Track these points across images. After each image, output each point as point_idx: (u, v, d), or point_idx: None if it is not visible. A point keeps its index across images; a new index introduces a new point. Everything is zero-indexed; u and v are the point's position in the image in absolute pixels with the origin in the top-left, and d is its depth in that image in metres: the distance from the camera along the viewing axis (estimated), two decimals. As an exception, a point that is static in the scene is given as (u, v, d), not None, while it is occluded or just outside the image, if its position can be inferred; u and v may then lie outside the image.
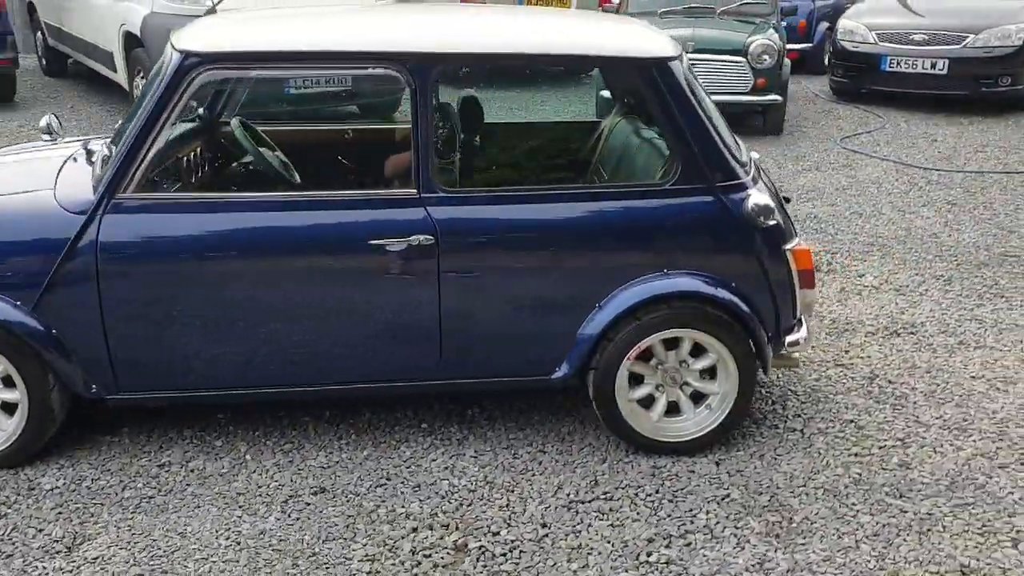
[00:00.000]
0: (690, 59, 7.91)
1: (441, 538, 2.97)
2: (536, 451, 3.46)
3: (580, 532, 3.02)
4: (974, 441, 3.56)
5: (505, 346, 3.33)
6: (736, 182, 3.31)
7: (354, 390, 3.37)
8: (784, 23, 9.31)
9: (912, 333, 4.51)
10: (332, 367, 3.30)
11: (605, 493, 3.22)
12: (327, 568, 2.82)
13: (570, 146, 3.97)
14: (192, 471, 3.29)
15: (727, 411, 3.42)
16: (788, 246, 3.36)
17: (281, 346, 3.25)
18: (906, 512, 3.14)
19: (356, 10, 3.55)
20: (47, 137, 4.00)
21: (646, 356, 3.39)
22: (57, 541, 2.91)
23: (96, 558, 2.84)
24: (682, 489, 3.24)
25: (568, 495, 3.20)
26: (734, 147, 3.45)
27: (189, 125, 3.85)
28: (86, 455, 3.36)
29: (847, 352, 4.30)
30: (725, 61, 8.01)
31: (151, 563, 2.82)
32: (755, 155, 3.93)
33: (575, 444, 3.50)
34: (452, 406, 3.72)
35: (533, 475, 3.31)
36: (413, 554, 2.89)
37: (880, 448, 3.51)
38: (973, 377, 4.06)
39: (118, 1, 8.18)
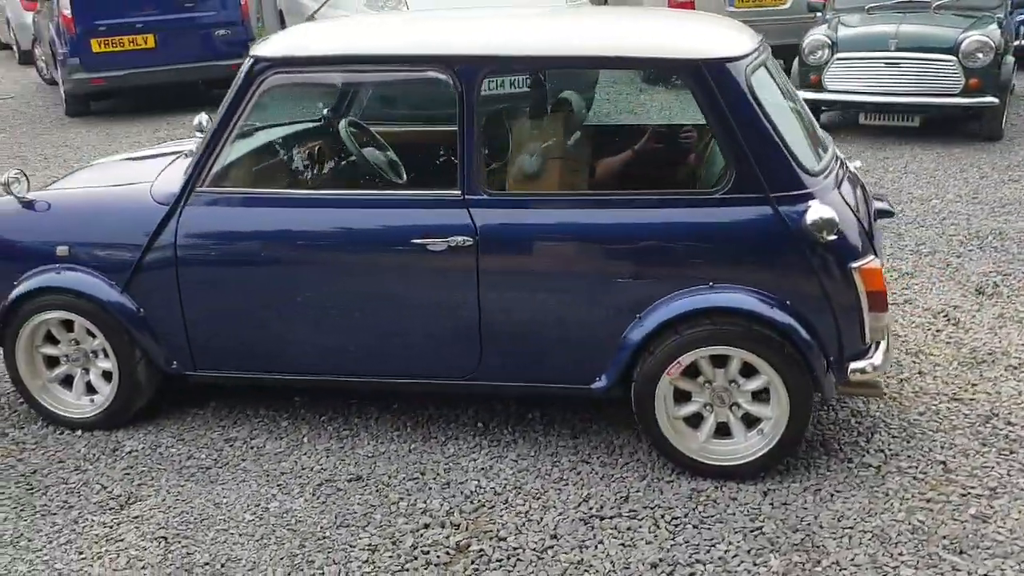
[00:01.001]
0: (893, 58, 7.43)
1: (447, 537, 2.99)
2: (579, 460, 3.39)
3: (587, 548, 2.94)
4: (1082, 499, 3.09)
5: (545, 352, 3.30)
6: (797, 192, 3.07)
7: (401, 384, 3.47)
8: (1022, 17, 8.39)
9: (1065, 370, 3.97)
10: (381, 360, 3.41)
11: (631, 511, 3.10)
12: (328, 552, 2.94)
13: (660, 150, 3.84)
14: (252, 448, 3.53)
15: (778, 438, 3.19)
16: (856, 264, 3.07)
17: (335, 336, 3.41)
18: (959, 571, 2.79)
19: (423, 16, 3.64)
20: (200, 134, 4.41)
21: (694, 373, 3.23)
22: (114, 499, 3.23)
23: (136, 517, 3.12)
24: (712, 516, 3.06)
25: (591, 508, 3.12)
26: (804, 154, 3.20)
27: (311, 125, 4.11)
28: (170, 424, 3.69)
29: (974, 385, 3.85)
30: (932, 60, 7.35)
31: (178, 528, 3.07)
32: (856, 164, 3.63)
33: (622, 458, 3.39)
34: (512, 408, 3.72)
35: (565, 484, 3.26)
36: (412, 549, 2.94)
37: (961, 496, 3.13)
38: (1117, 427, 3.53)
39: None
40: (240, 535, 3.03)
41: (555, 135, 3.48)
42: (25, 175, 3.63)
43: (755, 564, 2.84)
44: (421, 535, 3.01)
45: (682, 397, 3.27)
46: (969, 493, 3.15)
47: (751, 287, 3.09)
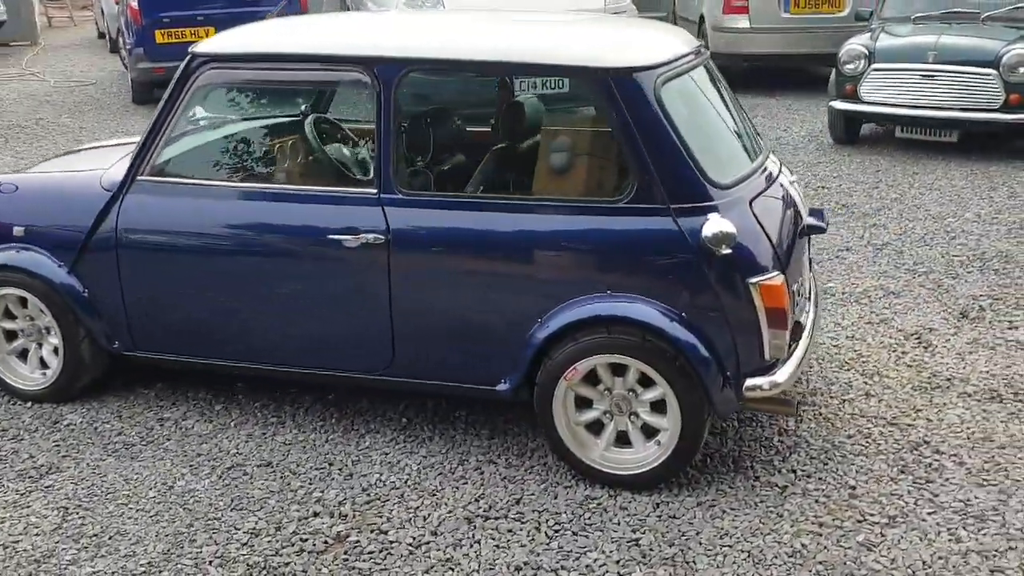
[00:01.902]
0: (930, 70, 7.19)
1: (330, 527, 3.07)
2: (486, 461, 3.42)
3: (461, 546, 2.97)
4: (982, 538, 2.97)
5: (453, 352, 3.34)
6: (699, 205, 3.04)
7: (319, 376, 3.55)
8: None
9: (1022, 402, 3.81)
10: (300, 352, 3.51)
11: (519, 513, 3.12)
12: (212, 533, 3.04)
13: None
14: (181, 428, 3.67)
15: (671, 450, 3.16)
16: (755, 279, 3.02)
17: (257, 326, 3.52)
18: (821, 597, 2.73)
19: (359, 18, 3.73)
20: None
21: (596, 380, 3.22)
22: (36, 468, 3.41)
23: (48, 487, 3.29)
24: (595, 524, 3.06)
25: (480, 508, 3.15)
26: (717, 166, 3.16)
27: (253, 121, 4.19)
28: (114, 401, 3.86)
29: (918, 411, 3.73)
30: (971, 73, 7.08)
31: (82, 499, 3.22)
32: (789, 177, 3.56)
33: (530, 461, 3.41)
34: (439, 406, 3.77)
35: (464, 483, 3.29)
36: (292, 535, 3.02)
37: (856, 522, 3.05)
38: (1052, 464, 3.38)
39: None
40: (137, 510, 3.16)
41: (476, 138, 3.53)
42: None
43: (618, 575, 2.83)
44: (306, 523, 3.09)
45: (584, 403, 3.27)
46: (866, 520, 3.06)
47: (649, 298, 3.08)
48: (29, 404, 3.86)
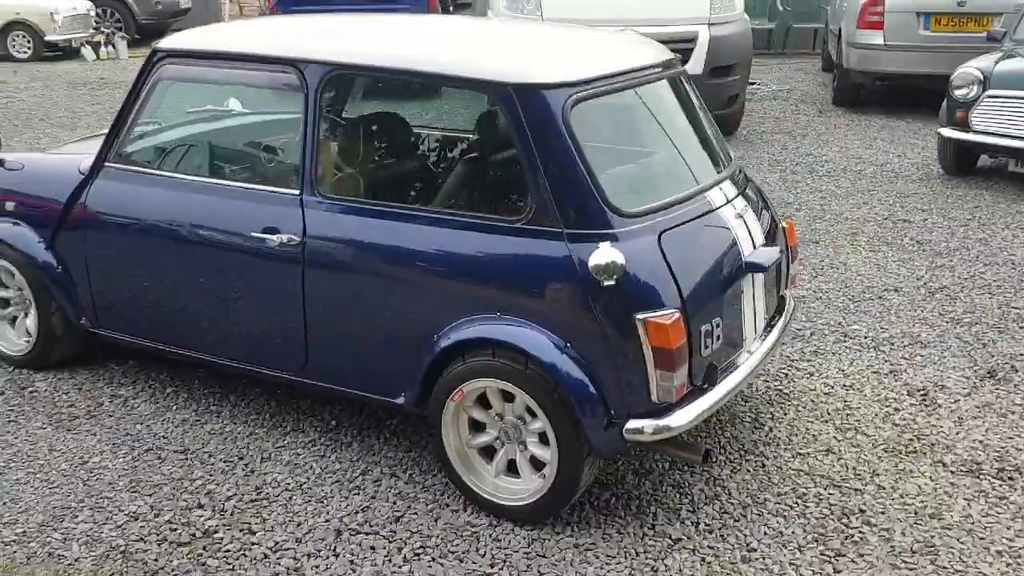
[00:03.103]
0: (990, 96, 6.53)
1: (203, 520, 3.10)
2: (390, 474, 3.37)
3: (315, 558, 2.93)
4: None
5: (359, 361, 3.31)
6: (597, 232, 2.88)
7: (243, 369, 3.60)
8: None
9: (1001, 480, 3.39)
10: (227, 344, 3.57)
11: (390, 532, 3.05)
12: (97, 511, 3.14)
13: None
14: (128, 407, 3.81)
15: (548, 487, 3.01)
16: (642, 316, 2.82)
17: (192, 314, 3.62)
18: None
19: (304, 22, 3.75)
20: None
21: (489, 403, 3.11)
22: (-19, 429, 3.65)
23: (18, 455, 3.51)
24: (457, 552, 2.95)
25: (355, 521, 3.10)
26: (626, 193, 2.99)
27: (210, 114, 4.26)
28: (84, 374, 4.06)
29: (875, 476, 3.39)
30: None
31: (4, 461, 3.41)
32: (739, 209, 3.30)
33: (433, 480, 3.33)
34: (372, 413, 3.75)
35: (356, 493, 3.25)
36: (165, 524, 3.08)
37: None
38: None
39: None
40: (41, 480, 3.31)
41: (399, 146, 3.47)
42: (0, 138, 4.13)
43: (449, 608, 2.73)
44: (184, 513, 3.14)
45: (480, 427, 3.17)
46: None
47: (538, 324, 2.93)
48: (11, 368, 4.12)
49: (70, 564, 2.89)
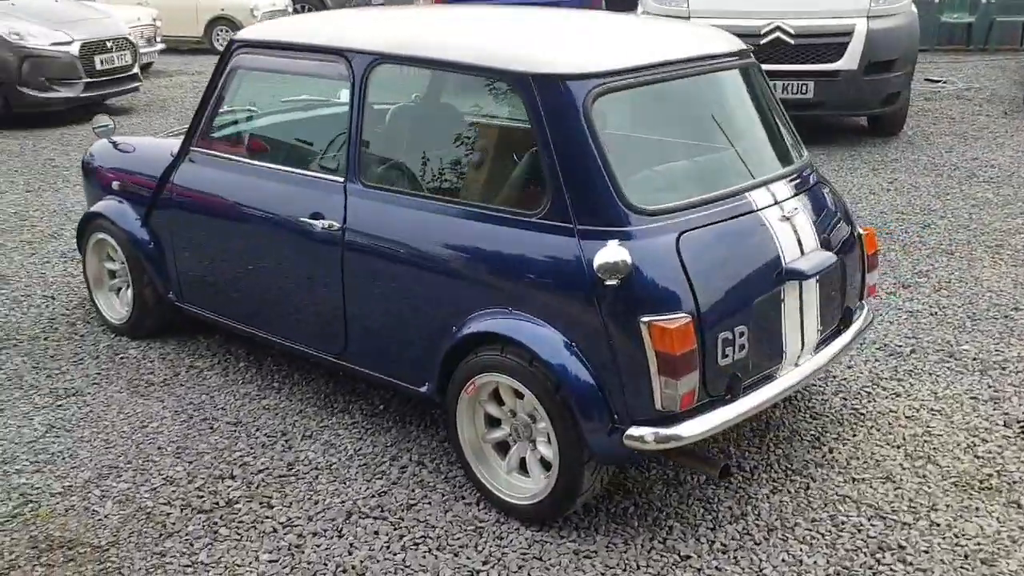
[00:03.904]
0: None
1: (230, 491, 3.23)
2: (417, 462, 3.39)
3: (320, 536, 2.98)
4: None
5: (391, 347, 3.34)
6: (607, 229, 2.77)
7: (294, 349, 3.70)
8: None
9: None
10: (281, 323, 3.70)
11: (398, 519, 3.07)
12: (140, 472, 3.33)
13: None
14: (201, 377, 4.02)
15: (549, 490, 2.93)
16: (647, 318, 2.69)
17: (253, 294, 3.77)
18: None
19: (365, 14, 3.79)
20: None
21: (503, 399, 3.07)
22: (66, 389, 3.93)
23: (60, 406, 3.79)
24: (454, 546, 2.93)
25: (367, 505, 3.13)
26: (647, 190, 2.87)
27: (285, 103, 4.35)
28: (173, 344, 4.32)
29: (934, 509, 3.09)
30: None
31: (72, 422, 3.68)
32: (790, 210, 3.10)
33: (453, 471, 3.32)
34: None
35: (379, 478, 3.28)
36: (195, 490, 3.23)
37: (727, 614, 2.63)
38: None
39: None
40: (102, 439, 3.55)
41: (435, 136, 3.46)
42: (112, 121, 4.46)
43: (429, 601, 2.71)
44: (215, 482, 3.28)
45: (497, 422, 3.13)
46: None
47: (547, 321, 2.86)
48: (112, 335, 4.45)
49: (99, 520, 3.09)
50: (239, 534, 3.02)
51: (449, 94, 3.60)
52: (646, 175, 2.98)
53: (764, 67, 7.55)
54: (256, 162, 3.74)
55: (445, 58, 3.12)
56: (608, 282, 2.69)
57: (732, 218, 2.95)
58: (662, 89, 3.09)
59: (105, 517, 3.11)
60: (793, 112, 7.84)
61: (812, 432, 3.59)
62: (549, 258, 2.86)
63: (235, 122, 3.96)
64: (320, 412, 3.74)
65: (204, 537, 3.00)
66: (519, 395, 3.00)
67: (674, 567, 2.84)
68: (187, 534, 3.02)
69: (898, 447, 3.49)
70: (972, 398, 3.84)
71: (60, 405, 3.81)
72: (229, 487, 3.27)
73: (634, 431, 2.76)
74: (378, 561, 2.88)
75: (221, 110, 3.88)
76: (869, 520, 3.06)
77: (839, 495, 3.19)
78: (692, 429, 2.78)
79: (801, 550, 2.91)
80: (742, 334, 2.86)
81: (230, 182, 3.78)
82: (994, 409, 3.75)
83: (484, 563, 2.87)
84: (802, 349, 3.14)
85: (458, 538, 2.98)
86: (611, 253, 2.69)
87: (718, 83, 3.29)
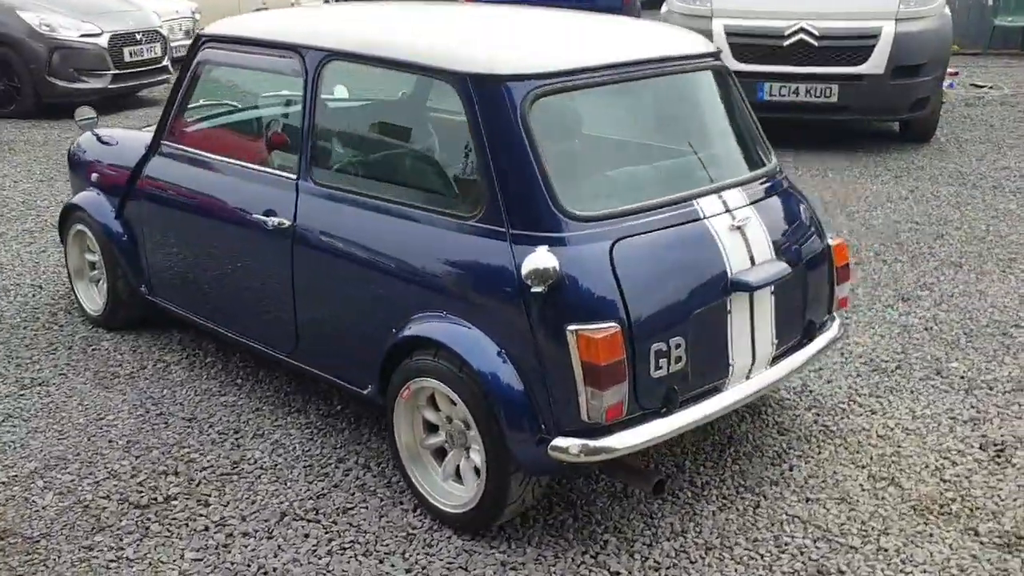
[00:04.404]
0: None
1: (173, 486, 3.21)
2: (363, 465, 3.33)
3: (249, 537, 2.95)
4: None
5: (337, 349, 3.30)
6: (539, 234, 2.69)
7: (255, 348, 3.68)
8: None
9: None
10: (237, 320, 3.69)
11: (331, 522, 3.02)
12: (86, 464, 3.33)
13: None
14: (164, 372, 4.02)
15: (477, 500, 2.86)
16: (573, 327, 2.61)
17: (208, 289, 3.77)
18: None
19: (323, 10, 3.75)
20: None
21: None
22: (32, 379, 3.96)
23: (22, 395, 3.81)
24: (380, 553, 2.87)
25: (307, 508, 3.09)
26: (584, 195, 2.79)
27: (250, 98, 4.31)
28: (147, 337, 4.33)
29: (885, 534, 2.96)
30: None
31: (30, 411, 3.70)
32: (741, 219, 2.99)
33: (396, 476, 3.26)
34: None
35: (320, 480, 3.24)
36: (137, 485, 3.22)
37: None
38: None
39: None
40: (55, 430, 3.56)
41: (381, 135, 3.41)
42: (95, 113, 4.48)
43: (343, 609, 2.66)
44: (157, 478, 3.27)
45: (435, 428, 3.07)
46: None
47: (479, 327, 2.80)
48: (90, 326, 4.48)
49: (36, 511, 3.10)
50: (170, 531, 3.00)
51: (395, 92, 3.55)
52: (584, 180, 2.90)
53: (787, 69, 7.49)
54: (218, 157, 3.72)
55: (390, 56, 3.07)
56: (534, 289, 2.61)
57: (674, 226, 2.85)
58: (612, 92, 3.01)
59: (43, 508, 3.11)
60: (816, 116, 7.79)
61: (775, 448, 3.47)
62: (483, 263, 2.80)
63: (202, 117, 3.96)
64: (276, 411, 3.71)
65: (135, 532, 2.99)
66: (454, 401, 2.94)
67: (601, 584, 2.76)
68: (119, 529, 3.01)
69: (862, 467, 3.36)
70: (951, 418, 3.68)
71: (22, 395, 3.84)
72: (170, 483, 3.25)
73: (559, 442, 2.67)
74: (301, 565, 2.84)
75: (189, 104, 3.87)
76: (815, 542, 2.94)
77: (789, 515, 3.07)
78: (621, 442, 2.69)
79: (736, 571, 2.81)
80: (679, 346, 2.76)
81: (194, 177, 3.77)
82: (972, 430, 3.59)
83: (408, 571, 2.81)
84: (753, 362, 3.03)
85: (387, 544, 2.93)
86: (539, 259, 2.61)
87: (676, 86, 3.20)
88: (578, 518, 3.05)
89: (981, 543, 2.94)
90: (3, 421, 3.64)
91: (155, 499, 3.17)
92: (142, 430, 3.58)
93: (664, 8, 8.43)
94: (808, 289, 3.23)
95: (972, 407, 3.76)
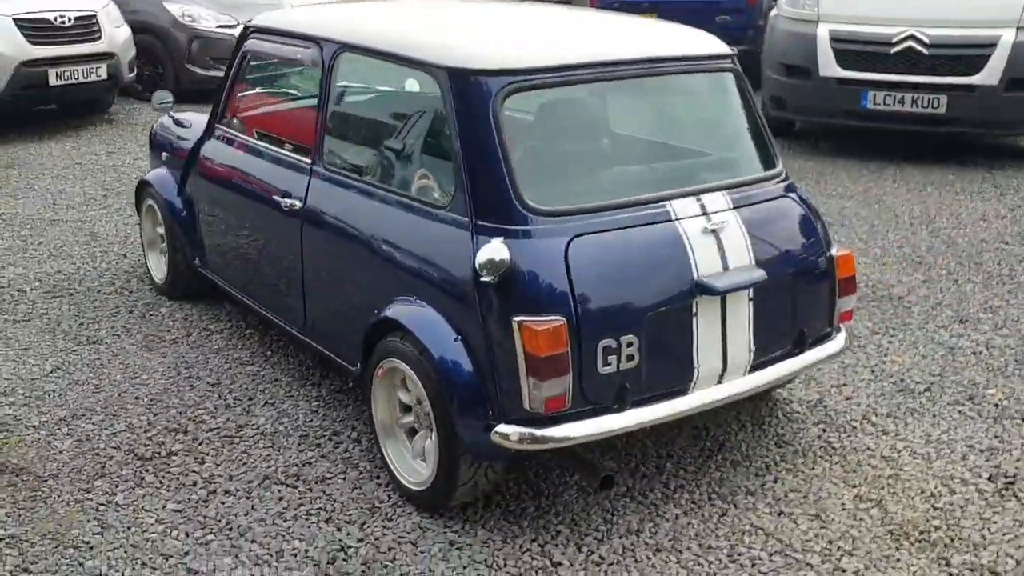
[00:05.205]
0: None
1: (174, 444, 3.46)
2: (353, 439, 3.49)
3: (229, 496, 3.15)
4: None
5: (336, 326, 3.47)
6: (500, 226, 2.77)
7: (278, 324, 3.89)
8: None
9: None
10: (267, 296, 3.91)
11: (307, 489, 3.19)
12: (109, 417, 3.63)
13: None
14: (206, 339, 4.31)
15: (431, 480, 2.95)
16: (518, 318, 2.67)
17: (244, 264, 4.02)
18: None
19: (348, 5, 3.91)
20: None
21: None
22: (88, 336, 4.32)
23: (74, 351, 4.17)
24: (341, 521, 3.01)
25: (289, 473, 3.27)
26: (549, 190, 2.85)
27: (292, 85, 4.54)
28: (201, 307, 4.63)
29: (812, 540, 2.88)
30: None
31: (77, 367, 4.04)
32: (716, 223, 2.96)
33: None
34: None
35: (311, 449, 3.42)
36: (147, 439, 3.48)
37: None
38: None
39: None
40: (91, 385, 3.88)
41: (382, 124, 3.53)
42: (171, 97, 4.82)
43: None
44: (167, 434, 3.52)
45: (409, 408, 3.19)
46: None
47: (442, 312, 2.90)
48: (155, 293, 4.83)
49: (54, 454, 3.41)
50: (161, 482, 3.24)
51: (393, 84, 3.69)
52: (551, 176, 2.94)
53: (893, 78, 7.20)
54: (257, 141, 3.96)
55: (386, 48, 3.21)
56: (484, 278, 2.69)
57: (640, 226, 2.87)
58: (597, 90, 3.04)
59: (59, 452, 3.42)
60: (922, 128, 7.43)
61: (765, 459, 3.41)
62: (448, 251, 2.90)
63: (248, 102, 4.21)
64: (293, 383, 3.92)
65: (130, 481, 3.25)
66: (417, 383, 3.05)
67: (538, 571, 2.80)
68: (118, 477, 3.27)
69: (854, 487, 3.26)
70: (968, 446, 3.51)
71: (75, 351, 4.21)
72: (176, 440, 3.50)
73: (502, 428, 2.75)
74: (265, 525, 3.02)
75: (237, 90, 4.13)
76: (770, 556, 2.89)
77: (754, 526, 3.03)
78: (564, 433, 2.73)
79: (678, 575, 2.80)
80: (631, 344, 2.77)
81: (236, 158, 4.03)
82: (986, 460, 3.42)
83: (360, 540, 2.94)
84: (724, 368, 3.00)
85: (350, 514, 3.07)
86: (492, 250, 2.69)
87: (671, 87, 3.19)
88: (540, 507, 3.10)
89: (949, 574, 2.82)
90: (52, 372, 4.00)
91: (159, 453, 3.42)
92: (168, 390, 3.86)
93: (773, 12, 8.24)
94: (800, 299, 3.17)
95: (995, 436, 3.57)
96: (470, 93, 2.86)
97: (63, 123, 8.80)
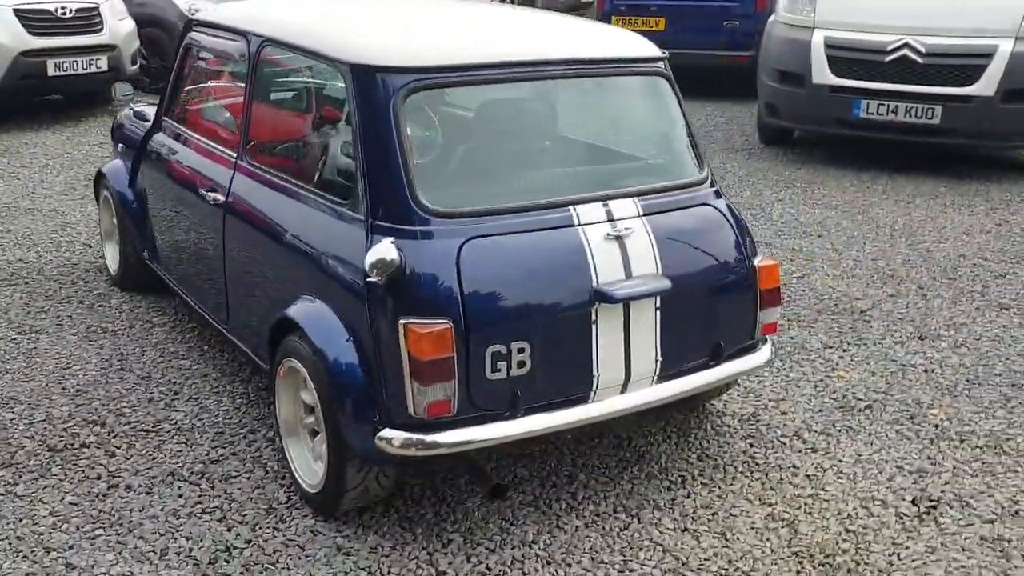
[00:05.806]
0: None
1: (99, 435, 3.45)
2: (266, 437, 3.45)
3: (132, 490, 3.13)
4: None
5: (251, 323, 3.44)
6: (392, 226, 2.72)
7: (208, 319, 3.87)
8: None
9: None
10: (199, 291, 3.89)
11: (208, 487, 3.16)
12: (32, 407, 3.63)
13: None
14: (148, 331, 4.30)
15: (322, 484, 2.91)
16: (404, 320, 2.62)
17: (177, 257, 4.01)
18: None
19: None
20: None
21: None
22: (31, 326, 4.33)
23: (14, 340, 4.18)
24: (233, 521, 2.98)
25: (196, 469, 3.25)
26: (446, 191, 2.80)
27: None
28: (152, 300, 4.63)
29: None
30: None
31: (13, 355, 4.05)
32: (622, 230, 2.89)
33: (297, 451, 3.37)
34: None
35: (228, 445, 3.40)
36: (71, 427, 3.48)
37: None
38: None
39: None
40: (23, 374, 3.88)
41: (297, 118, 3.50)
42: (132, 90, 4.83)
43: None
44: (83, 426, 3.51)
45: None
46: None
47: (336, 312, 2.86)
48: (109, 284, 4.84)
49: (-33, 441, 3.42)
50: (65, 475, 3.23)
51: (311, 79, 3.65)
52: (449, 177, 2.89)
53: (887, 87, 7.04)
54: (193, 134, 3.95)
55: (299, 43, 3.18)
56: (372, 279, 2.65)
57: (539, 230, 2.80)
58: (508, 91, 2.98)
59: (-28, 440, 3.43)
60: (915, 138, 7.26)
61: (683, 473, 3.33)
62: (345, 250, 2.85)
63: (188, 96, 4.20)
64: (222, 379, 3.90)
65: (35, 472, 3.24)
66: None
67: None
68: (23, 467, 3.27)
69: (768, 505, 3.17)
70: (897, 467, 3.40)
71: (15, 340, 4.22)
72: (92, 432, 3.49)
73: (385, 433, 2.69)
74: (157, 521, 2.99)
75: (180, 84, 4.12)
76: (663, 573, 2.81)
77: (653, 542, 2.95)
78: (448, 439, 2.68)
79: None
80: (522, 350, 2.71)
81: (177, 152, 4.02)
82: (913, 483, 3.31)
83: (247, 541, 2.90)
84: (627, 377, 2.92)
85: (245, 515, 3.04)
86: (381, 251, 2.65)
87: (591, 89, 3.12)
88: (439, 514, 3.05)
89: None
90: (-16, 361, 4.03)
91: (71, 444, 3.41)
92: (97, 382, 3.86)
93: (772, 17, 8.12)
94: (716, 309, 3.09)
95: (929, 458, 3.46)
96: (372, 90, 2.82)
97: (64, 114, 8.87)
